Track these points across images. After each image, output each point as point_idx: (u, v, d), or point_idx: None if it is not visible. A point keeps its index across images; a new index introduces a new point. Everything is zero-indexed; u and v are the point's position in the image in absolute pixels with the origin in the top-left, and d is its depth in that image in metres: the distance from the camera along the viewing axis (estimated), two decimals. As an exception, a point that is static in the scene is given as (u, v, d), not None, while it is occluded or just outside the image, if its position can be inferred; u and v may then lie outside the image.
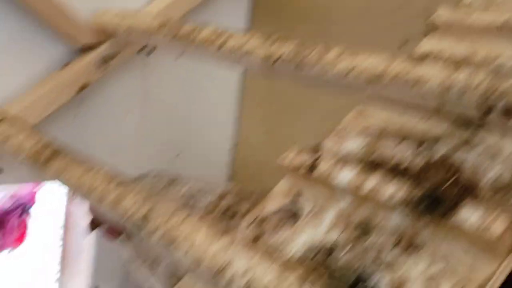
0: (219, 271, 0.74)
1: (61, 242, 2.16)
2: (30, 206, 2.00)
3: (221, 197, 1.61)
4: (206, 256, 0.77)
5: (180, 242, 0.83)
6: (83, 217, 2.03)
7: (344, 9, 1.89)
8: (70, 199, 2.13)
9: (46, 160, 1.16)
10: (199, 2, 1.94)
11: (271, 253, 0.77)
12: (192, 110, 2.15)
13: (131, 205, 0.96)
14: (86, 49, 1.73)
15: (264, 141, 2.20)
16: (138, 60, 1.92)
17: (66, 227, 2.15)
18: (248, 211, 1.48)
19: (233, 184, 2.30)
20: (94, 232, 1.95)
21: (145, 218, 0.91)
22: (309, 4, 2.01)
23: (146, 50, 1.93)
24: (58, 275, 2.21)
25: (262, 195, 1.57)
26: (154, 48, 1.94)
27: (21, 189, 1.95)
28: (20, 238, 2.03)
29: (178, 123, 2.13)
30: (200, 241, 0.81)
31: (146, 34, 1.53)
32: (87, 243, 2.05)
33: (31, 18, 1.65)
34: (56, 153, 1.17)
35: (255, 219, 0.92)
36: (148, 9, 1.85)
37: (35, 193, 1.96)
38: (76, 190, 1.07)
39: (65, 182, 1.10)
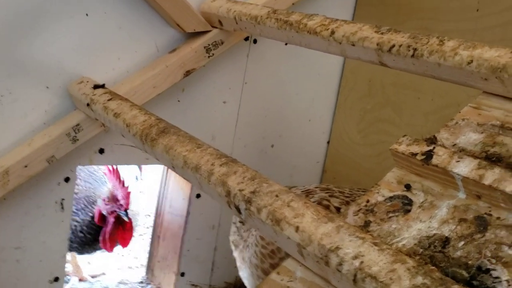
0: (330, 251, 0.72)
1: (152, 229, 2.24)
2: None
3: (309, 192, 1.59)
4: (315, 237, 0.76)
5: (287, 222, 0.82)
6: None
7: (452, 8, 1.81)
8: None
9: (156, 136, 1.19)
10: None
11: (381, 241, 0.74)
12: (289, 103, 2.15)
13: (237, 183, 0.96)
14: (194, 35, 1.78)
15: (358, 140, 2.16)
16: (244, 47, 1.95)
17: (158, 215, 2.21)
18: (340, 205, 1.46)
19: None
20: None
21: (251, 197, 0.91)
22: (414, 3, 1.94)
23: (251, 39, 1.95)
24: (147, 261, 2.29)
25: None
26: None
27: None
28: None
29: (275, 114, 2.13)
30: (307, 223, 0.80)
31: (255, 21, 1.54)
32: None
33: (143, 3, 1.72)
34: (165, 131, 1.20)
35: (362, 207, 0.89)
36: (254, 0, 1.86)
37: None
38: (182, 167, 1.09)
39: (172, 158, 1.12)
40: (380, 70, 2.03)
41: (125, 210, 2.04)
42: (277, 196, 0.88)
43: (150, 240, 2.25)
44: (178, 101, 1.89)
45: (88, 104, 1.51)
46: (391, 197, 0.89)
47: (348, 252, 0.72)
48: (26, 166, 1.55)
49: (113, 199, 2.06)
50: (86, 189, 2.18)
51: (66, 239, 1.79)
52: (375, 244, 0.72)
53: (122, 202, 2.03)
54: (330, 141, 2.28)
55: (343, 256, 0.72)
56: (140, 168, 3.96)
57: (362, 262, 0.70)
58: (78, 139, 1.61)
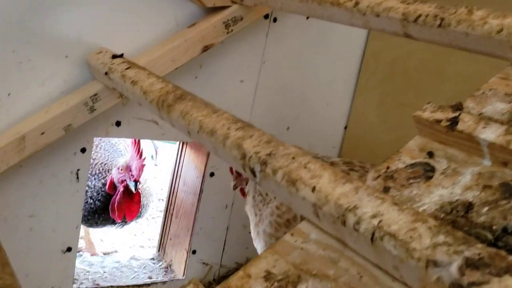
0: (347, 211, 0.70)
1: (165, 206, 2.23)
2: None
3: (333, 163, 1.57)
4: (332, 197, 0.74)
5: (303, 182, 0.79)
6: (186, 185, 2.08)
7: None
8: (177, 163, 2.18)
9: (172, 103, 1.18)
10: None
11: (401, 204, 0.72)
12: (308, 84, 2.11)
13: (252, 146, 0.94)
14: (213, 10, 1.75)
15: (377, 123, 2.12)
16: (264, 25, 1.92)
17: (172, 192, 2.20)
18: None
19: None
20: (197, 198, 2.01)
21: (267, 159, 0.89)
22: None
23: (271, 17, 1.92)
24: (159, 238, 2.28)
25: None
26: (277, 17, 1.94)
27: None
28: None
29: (292, 96, 2.10)
30: (324, 184, 0.78)
31: (276, -5, 1.51)
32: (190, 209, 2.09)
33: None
34: (181, 97, 1.18)
35: (381, 174, 0.86)
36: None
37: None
38: (198, 132, 1.07)
39: (188, 123, 1.10)
40: (402, 53, 2.00)
41: (135, 181, 2.04)
42: (293, 158, 0.86)
43: (163, 217, 2.24)
44: (196, 77, 1.87)
45: (106, 73, 1.50)
46: (412, 164, 0.86)
47: (366, 211, 0.69)
48: (42, 133, 1.54)
49: (127, 168, 2.06)
50: (104, 157, 2.18)
51: (80, 210, 1.78)
52: (395, 204, 0.70)
53: (134, 172, 2.04)
54: (348, 125, 2.25)
55: (361, 215, 0.69)
56: (156, 152, 3.97)
57: (381, 221, 0.67)
58: (95, 109, 1.60)
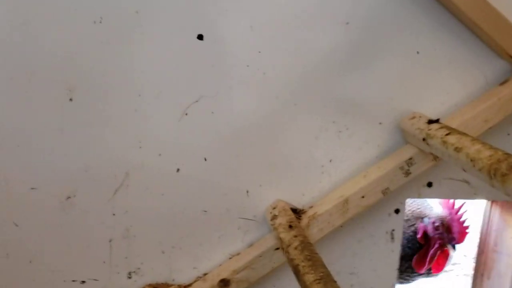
0: None
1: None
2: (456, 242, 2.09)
3: None
4: None
5: None
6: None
7: None
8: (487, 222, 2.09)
9: (507, 172, 1.16)
10: None
11: None
12: None
13: None
14: (527, 64, 1.69)
15: None
16: None
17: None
18: None
19: None
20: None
21: None
22: None
23: None
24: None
25: None
26: None
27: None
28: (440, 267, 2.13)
29: None
30: None
31: None
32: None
33: (473, 36, 1.70)
34: (517, 166, 1.16)
35: None
36: None
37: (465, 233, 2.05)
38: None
39: (530, 195, 1.07)
40: None
41: (454, 245, 2.02)
42: None
43: (471, 277, 2.16)
44: (508, 134, 1.80)
45: (424, 139, 1.55)
46: None
47: None
48: (363, 197, 1.66)
49: (447, 229, 2.06)
50: (415, 204, 2.23)
51: (395, 269, 1.85)
52: None
53: (455, 235, 2.02)
54: None
55: None
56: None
57: None
58: (410, 173, 1.66)
